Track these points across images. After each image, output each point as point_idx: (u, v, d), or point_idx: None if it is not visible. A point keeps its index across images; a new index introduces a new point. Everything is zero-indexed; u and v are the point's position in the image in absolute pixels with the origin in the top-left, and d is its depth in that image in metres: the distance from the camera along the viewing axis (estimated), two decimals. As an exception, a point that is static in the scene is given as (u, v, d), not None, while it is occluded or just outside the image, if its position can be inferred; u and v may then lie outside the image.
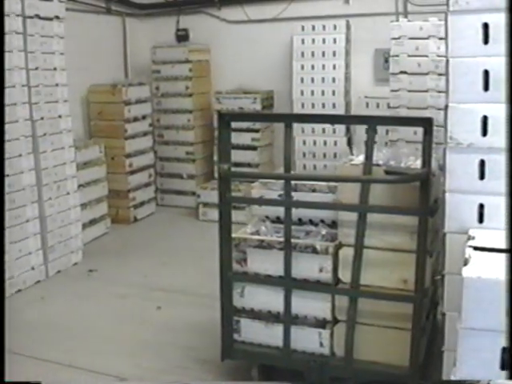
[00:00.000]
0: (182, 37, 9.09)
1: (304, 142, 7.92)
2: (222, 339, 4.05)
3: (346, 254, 3.68)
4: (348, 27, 7.97)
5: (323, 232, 3.91)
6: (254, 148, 8.17)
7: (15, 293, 5.87)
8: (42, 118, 6.16)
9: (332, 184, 4.00)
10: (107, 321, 5.24)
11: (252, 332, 4.01)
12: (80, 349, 4.75)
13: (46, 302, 5.70)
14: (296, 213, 3.86)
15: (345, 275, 3.71)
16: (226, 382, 4.21)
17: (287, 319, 3.87)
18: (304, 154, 7.97)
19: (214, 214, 7.72)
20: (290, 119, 3.70)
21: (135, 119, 8.15)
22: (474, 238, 2.82)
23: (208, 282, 5.64)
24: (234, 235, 3.93)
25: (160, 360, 4.53)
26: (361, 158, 3.74)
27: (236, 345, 4.04)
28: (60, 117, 6.41)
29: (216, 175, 8.24)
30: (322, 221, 3.99)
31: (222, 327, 4.04)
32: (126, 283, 6.02)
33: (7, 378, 4.27)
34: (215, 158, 8.36)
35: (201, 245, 6.96)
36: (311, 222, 4.02)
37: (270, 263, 3.86)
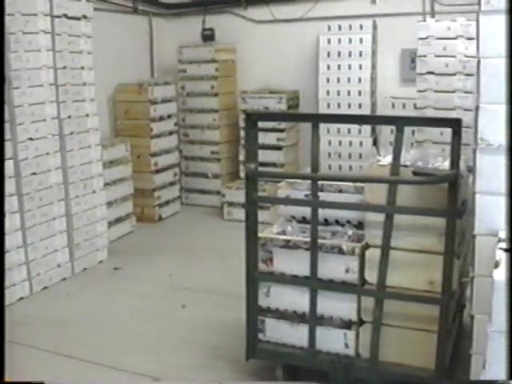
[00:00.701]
0: (208, 36, 9.10)
1: (329, 143, 7.89)
2: (247, 339, 4.05)
3: (373, 254, 3.66)
4: (374, 27, 7.93)
5: (349, 233, 3.90)
6: (279, 148, 8.16)
7: (41, 290, 5.93)
8: (69, 117, 6.20)
9: (358, 185, 3.98)
10: (132, 319, 5.27)
11: (277, 332, 4.00)
12: (106, 347, 4.78)
13: (71, 300, 5.74)
14: (322, 213, 3.84)
15: (371, 276, 3.69)
16: (254, 382, 4.20)
17: (313, 320, 3.85)
18: (329, 155, 7.94)
19: (239, 213, 7.81)
20: (317, 119, 3.69)
21: (161, 118, 8.17)
22: (504, 240, 2.79)
23: (233, 281, 5.65)
24: (260, 235, 3.92)
25: (185, 358, 4.55)
26: (388, 159, 3.72)
27: (261, 344, 4.04)
28: (87, 115, 6.45)
29: (241, 175, 8.37)
30: (349, 221, 3.98)
31: (247, 327, 4.04)
32: (151, 282, 6.04)
33: (39, 375, 4.34)
34: (240, 157, 8.42)
35: (225, 244, 6.97)
36: (337, 222, 4.01)
37: (295, 263, 3.85)
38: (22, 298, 5.71)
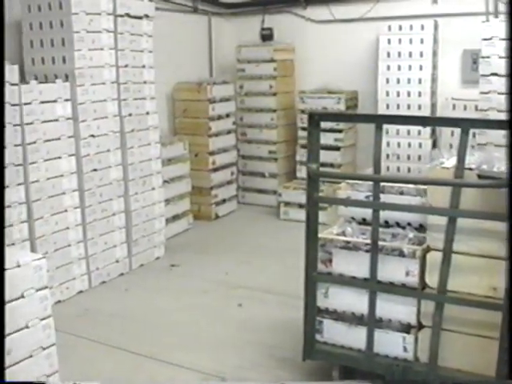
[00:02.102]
0: (267, 36, 9.11)
1: (388, 144, 7.79)
2: (305, 339, 4.03)
3: (434, 258, 3.61)
4: (436, 27, 7.82)
5: (410, 235, 3.84)
6: (337, 148, 8.13)
7: (100, 284, 6.04)
8: (130, 115, 6.29)
9: (420, 187, 3.93)
10: (188, 316, 5.31)
11: (335, 333, 3.98)
12: (162, 342, 4.83)
13: (129, 294, 5.83)
14: (383, 215, 3.80)
15: (432, 280, 3.63)
16: (315, 382, 4.18)
17: (371, 322, 3.82)
18: (388, 156, 7.84)
19: (296, 213, 7.82)
20: (381, 120, 3.65)
21: (219, 117, 8.22)
22: None
23: (289, 281, 5.66)
24: (320, 235, 3.90)
25: (240, 357, 4.56)
26: (452, 162, 3.66)
27: (318, 345, 4.02)
28: (147, 113, 6.53)
29: (298, 175, 8.36)
30: (409, 224, 3.93)
31: (304, 327, 4.03)
32: (207, 279, 6.08)
33: (96, 367, 4.42)
34: (297, 157, 8.39)
35: (282, 244, 6.97)
36: (398, 224, 3.96)
37: (355, 265, 3.82)
38: (81, 292, 5.82)
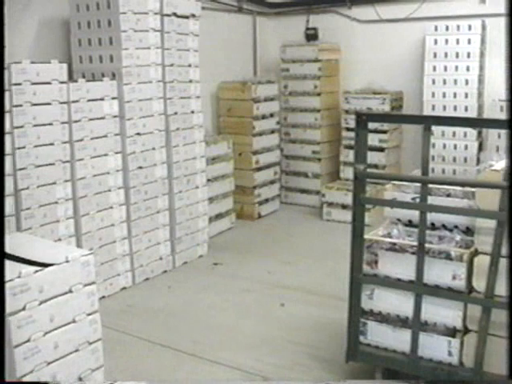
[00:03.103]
0: (311, 36, 9.09)
1: (433, 145, 7.69)
2: (348, 341, 4.02)
3: (482, 262, 3.55)
4: (483, 28, 7.70)
5: (457, 238, 3.79)
6: (381, 149, 8.08)
7: (143, 281, 6.09)
8: (175, 113, 6.34)
9: (467, 189, 3.88)
10: (230, 314, 5.33)
11: (379, 335, 3.95)
12: (204, 339, 4.85)
13: (172, 292, 5.86)
14: (430, 217, 3.76)
15: (479, 284, 3.58)
16: (358, 380, 4.16)
17: (416, 325, 3.78)
18: (433, 158, 7.75)
19: (339, 213, 7.80)
20: (430, 121, 3.61)
21: (263, 117, 8.23)
22: None
23: (331, 282, 5.66)
24: (365, 236, 3.88)
25: (281, 356, 4.55)
26: (501, 164, 3.60)
27: (362, 347, 4.00)
28: (192, 112, 6.57)
29: (341, 175, 8.32)
30: (456, 226, 3.88)
31: (348, 328, 4.01)
32: (250, 278, 6.09)
33: (138, 363, 4.46)
34: (341, 157, 8.37)
35: (324, 244, 6.96)
36: (444, 227, 3.91)
37: (401, 267, 3.79)
38: (124, 288, 5.88)
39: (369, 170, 7.41)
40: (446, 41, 7.76)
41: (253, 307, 5.46)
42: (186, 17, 6.44)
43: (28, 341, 3.15)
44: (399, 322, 3.90)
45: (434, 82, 7.87)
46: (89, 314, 3.47)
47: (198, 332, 4.99)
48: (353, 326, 3.98)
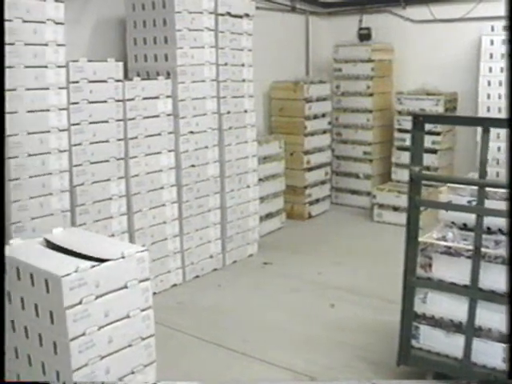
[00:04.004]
0: (365, 36, 9.02)
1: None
2: (400, 344, 3.98)
3: (539, 267, 3.49)
4: (543, 28, 7.54)
5: (514, 243, 3.72)
6: (434, 151, 7.96)
7: (193, 278, 6.14)
8: (228, 112, 6.36)
9: (525, 193, 3.81)
10: (279, 313, 5.32)
11: (431, 340, 3.90)
12: (253, 339, 4.85)
13: (222, 290, 5.88)
14: (486, 221, 3.69)
15: (536, 290, 3.52)
16: (404, 380, 4.12)
17: (470, 330, 3.72)
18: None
19: (390, 215, 7.73)
20: (488, 123, 3.54)
21: (315, 117, 8.19)
22: None
23: (383, 284, 5.61)
24: (420, 239, 3.83)
25: (330, 357, 4.52)
26: None
27: (414, 351, 3.95)
28: (245, 111, 6.59)
29: (393, 177, 8.25)
30: (513, 231, 3.81)
31: (400, 331, 3.98)
32: (300, 278, 6.07)
33: (188, 360, 4.50)
34: (393, 159, 8.29)
35: (375, 246, 6.91)
36: (501, 231, 3.84)
37: (455, 271, 3.73)
38: (175, 285, 5.93)
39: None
40: (503, 41, 7.59)
41: (302, 307, 5.44)
42: (240, 16, 6.46)
43: (83, 334, 3.21)
44: (452, 326, 3.85)
45: (489, 83, 7.74)
46: (142, 310, 3.51)
47: (248, 331, 5.00)
48: (405, 329, 3.94)
